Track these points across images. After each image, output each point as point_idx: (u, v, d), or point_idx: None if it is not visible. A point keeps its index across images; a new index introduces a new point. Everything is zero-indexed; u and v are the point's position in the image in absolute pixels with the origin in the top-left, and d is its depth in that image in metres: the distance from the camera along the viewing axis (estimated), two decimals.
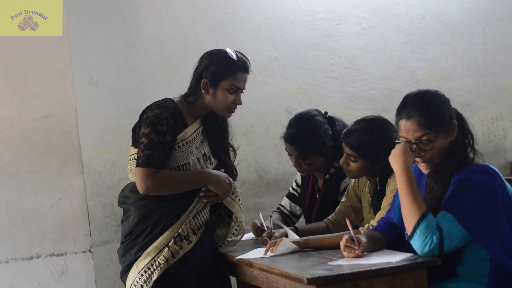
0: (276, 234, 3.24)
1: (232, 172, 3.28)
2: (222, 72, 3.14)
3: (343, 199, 3.46)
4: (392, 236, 2.89)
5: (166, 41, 4.53)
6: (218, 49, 3.24)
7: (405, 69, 5.08)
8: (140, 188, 3.05)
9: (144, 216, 3.09)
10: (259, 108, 4.73)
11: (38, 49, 4.18)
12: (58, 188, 4.16)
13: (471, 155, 2.82)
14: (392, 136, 3.16)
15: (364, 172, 3.22)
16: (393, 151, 2.78)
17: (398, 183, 2.73)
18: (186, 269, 3.07)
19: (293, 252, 3.02)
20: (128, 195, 3.17)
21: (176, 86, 4.54)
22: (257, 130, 4.73)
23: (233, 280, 4.15)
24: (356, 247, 2.76)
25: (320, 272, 2.59)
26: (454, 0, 5.20)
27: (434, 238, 2.62)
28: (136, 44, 4.44)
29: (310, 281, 2.53)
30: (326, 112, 3.70)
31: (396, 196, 2.95)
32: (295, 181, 3.86)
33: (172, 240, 3.04)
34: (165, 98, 3.18)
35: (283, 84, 4.79)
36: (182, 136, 3.11)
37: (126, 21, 4.43)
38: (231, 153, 3.31)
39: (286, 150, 3.64)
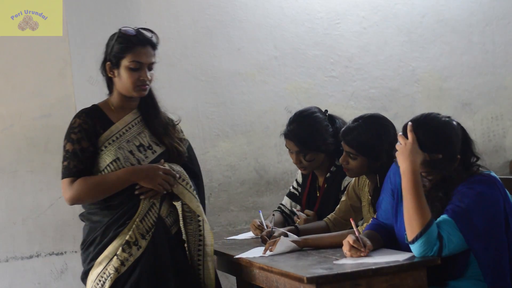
0: (275, 234, 3.25)
1: (177, 155, 3.14)
2: (120, 50, 3.02)
3: (343, 198, 3.46)
4: (385, 235, 2.91)
5: (166, 41, 4.53)
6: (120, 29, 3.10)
7: (405, 68, 5.08)
8: (65, 200, 3.05)
9: (93, 226, 3.05)
10: (259, 107, 4.73)
11: (38, 49, 4.19)
12: (58, 187, 4.13)
13: (475, 168, 2.81)
14: (390, 133, 3.17)
15: (363, 170, 3.22)
16: (401, 148, 2.74)
17: (404, 185, 2.70)
18: (137, 275, 2.98)
19: (292, 251, 3.03)
20: (83, 206, 3.14)
21: (176, 86, 4.55)
22: (257, 129, 4.73)
23: (232, 279, 4.16)
24: (362, 249, 2.76)
25: (320, 271, 2.59)
26: None
27: (435, 248, 2.63)
28: None
29: (310, 280, 2.53)
30: (326, 110, 3.71)
31: (383, 194, 2.96)
32: (296, 180, 3.87)
33: (120, 248, 2.97)
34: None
35: (283, 83, 4.79)
36: (107, 135, 3.04)
37: (126, 21, 4.42)
38: (175, 131, 3.17)
39: (286, 146, 3.65)
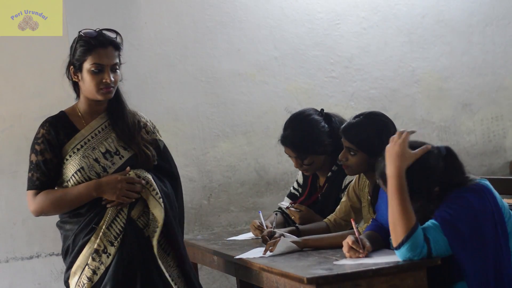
0: (276, 235, 3.24)
1: (145, 158, 3.00)
2: (81, 53, 2.92)
3: (343, 199, 3.46)
4: (385, 236, 2.91)
5: (166, 41, 4.53)
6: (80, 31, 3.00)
7: (405, 68, 5.08)
8: (31, 212, 2.98)
9: (66, 234, 2.98)
10: (259, 107, 4.73)
11: (38, 49, 4.19)
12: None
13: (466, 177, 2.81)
14: (390, 130, 3.17)
15: (363, 167, 3.21)
16: (389, 149, 2.71)
17: (389, 189, 2.68)
18: (104, 284, 2.88)
19: (292, 251, 3.02)
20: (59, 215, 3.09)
21: (176, 86, 4.55)
22: (257, 130, 4.73)
23: (232, 279, 4.16)
24: (361, 250, 2.76)
25: (320, 271, 2.59)
26: (454, 0, 5.20)
27: (423, 250, 2.62)
28: (136, 44, 4.44)
29: (310, 280, 2.53)
30: (322, 110, 3.70)
31: (380, 199, 2.96)
32: (296, 181, 3.86)
33: (90, 257, 2.89)
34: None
35: (283, 83, 4.79)
36: (71, 143, 2.95)
37: (126, 21, 4.42)
38: (143, 133, 3.04)
39: (285, 152, 3.65)
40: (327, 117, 3.65)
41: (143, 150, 3.00)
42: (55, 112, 4.19)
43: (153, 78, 4.51)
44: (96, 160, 2.94)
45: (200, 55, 4.62)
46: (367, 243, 2.79)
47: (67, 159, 2.94)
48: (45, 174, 2.93)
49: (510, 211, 2.78)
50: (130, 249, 2.91)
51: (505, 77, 5.32)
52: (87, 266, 2.90)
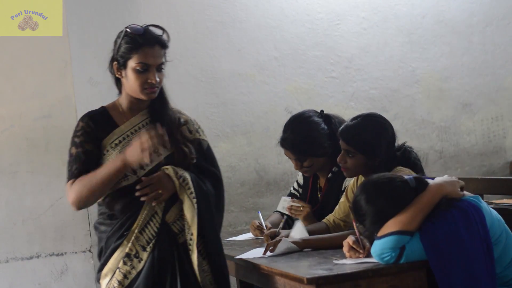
0: (278, 237, 3.24)
1: (182, 157, 2.89)
2: (126, 50, 2.81)
3: (342, 200, 3.46)
4: None
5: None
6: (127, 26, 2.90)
7: (405, 69, 5.08)
8: (71, 205, 2.86)
9: (100, 236, 2.91)
10: (259, 107, 4.73)
11: (38, 49, 4.19)
12: (58, 188, 4.17)
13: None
14: (388, 132, 3.18)
15: (361, 169, 3.21)
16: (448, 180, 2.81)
17: (425, 194, 2.71)
18: None
19: (292, 252, 3.02)
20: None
21: (176, 86, 4.54)
22: (257, 130, 4.73)
23: (233, 279, 4.15)
24: (361, 251, 2.76)
25: (320, 272, 2.59)
26: (454, 0, 5.20)
27: (393, 255, 2.62)
28: None
29: (310, 280, 2.53)
30: (322, 111, 3.69)
31: None
32: (296, 181, 3.86)
33: (122, 261, 2.80)
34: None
35: (283, 83, 4.79)
36: (110, 138, 2.85)
37: (126, 21, 4.41)
38: (183, 131, 2.94)
39: (285, 154, 3.65)
40: (327, 118, 3.64)
41: (181, 148, 2.89)
42: (55, 112, 4.21)
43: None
44: None
45: (200, 55, 4.62)
46: (367, 244, 2.79)
47: (104, 154, 2.84)
48: (84, 163, 2.82)
49: (504, 232, 2.76)
50: (162, 255, 2.80)
51: (505, 77, 5.32)
52: (118, 270, 2.81)
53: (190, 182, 2.84)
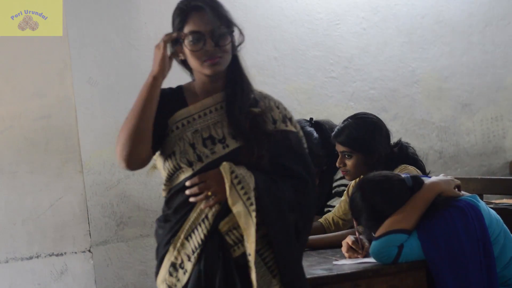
0: None
1: (251, 154, 2.40)
2: (178, 25, 2.49)
3: (343, 198, 3.46)
4: None
5: None
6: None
7: (404, 69, 5.08)
8: (120, 164, 2.48)
9: (157, 241, 2.50)
10: None
11: (38, 49, 4.18)
12: (58, 188, 4.17)
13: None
14: (382, 128, 3.20)
15: (362, 168, 3.21)
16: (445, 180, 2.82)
17: (420, 193, 2.73)
18: None
19: None
20: None
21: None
22: None
23: None
24: (360, 251, 2.77)
25: (319, 272, 2.59)
26: (454, 0, 5.20)
27: (391, 254, 2.63)
28: (136, 44, 4.44)
29: (310, 281, 2.52)
30: (311, 118, 3.69)
31: None
32: None
33: (168, 271, 2.40)
34: None
35: (282, 84, 4.79)
36: (173, 119, 2.45)
37: (126, 21, 4.42)
38: (270, 117, 2.50)
39: None
40: (318, 126, 3.63)
41: (249, 141, 2.40)
42: (55, 112, 4.21)
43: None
44: (192, 145, 2.40)
45: None
46: (367, 244, 2.79)
47: (169, 134, 2.44)
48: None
49: (502, 232, 2.77)
50: (209, 268, 2.34)
51: (505, 78, 5.32)
52: (165, 282, 2.41)
53: (250, 185, 2.34)
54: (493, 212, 2.81)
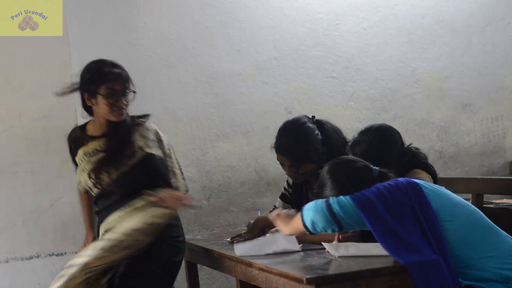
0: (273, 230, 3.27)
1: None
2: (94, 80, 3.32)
3: None
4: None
5: (166, 41, 4.53)
6: (89, 63, 3.41)
7: (404, 69, 5.08)
8: None
9: None
10: (259, 108, 4.73)
11: (38, 49, 4.19)
12: (58, 188, 4.17)
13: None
14: (398, 143, 3.23)
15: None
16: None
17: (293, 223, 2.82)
18: None
19: (292, 252, 3.03)
20: None
21: (175, 86, 4.55)
22: (257, 130, 4.73)
23: (232, 280, 4.15)
24: (350, 233, 2.90)
25: (319, 272, 2.60)
26: (454, 0, 5.20)
27: (324, 208, 2.66)
28: (136, 44, 4.44)
29: (309, 281, 2.53)
30: (313, 116, 3.68)
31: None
32: (287, 181, 3.83)
33: None
34: None
35: (282, 84, 4.79)
36: (78, 157, 3.39)
37: (126, 21, 4.43)
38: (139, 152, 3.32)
39: (278, 159, 3.62)
40: (319, 124, 3.63)
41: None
42: (55, 113, 4.20)
43: (153, 78, 4.50)
44: (88, 175, 3.33)
45: (200, 55, 4.61)
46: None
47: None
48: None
49: (471, 215, 2.73)
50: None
51: (505, 77, 5.32)
52: None
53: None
54: (456, 196, 2.79)
